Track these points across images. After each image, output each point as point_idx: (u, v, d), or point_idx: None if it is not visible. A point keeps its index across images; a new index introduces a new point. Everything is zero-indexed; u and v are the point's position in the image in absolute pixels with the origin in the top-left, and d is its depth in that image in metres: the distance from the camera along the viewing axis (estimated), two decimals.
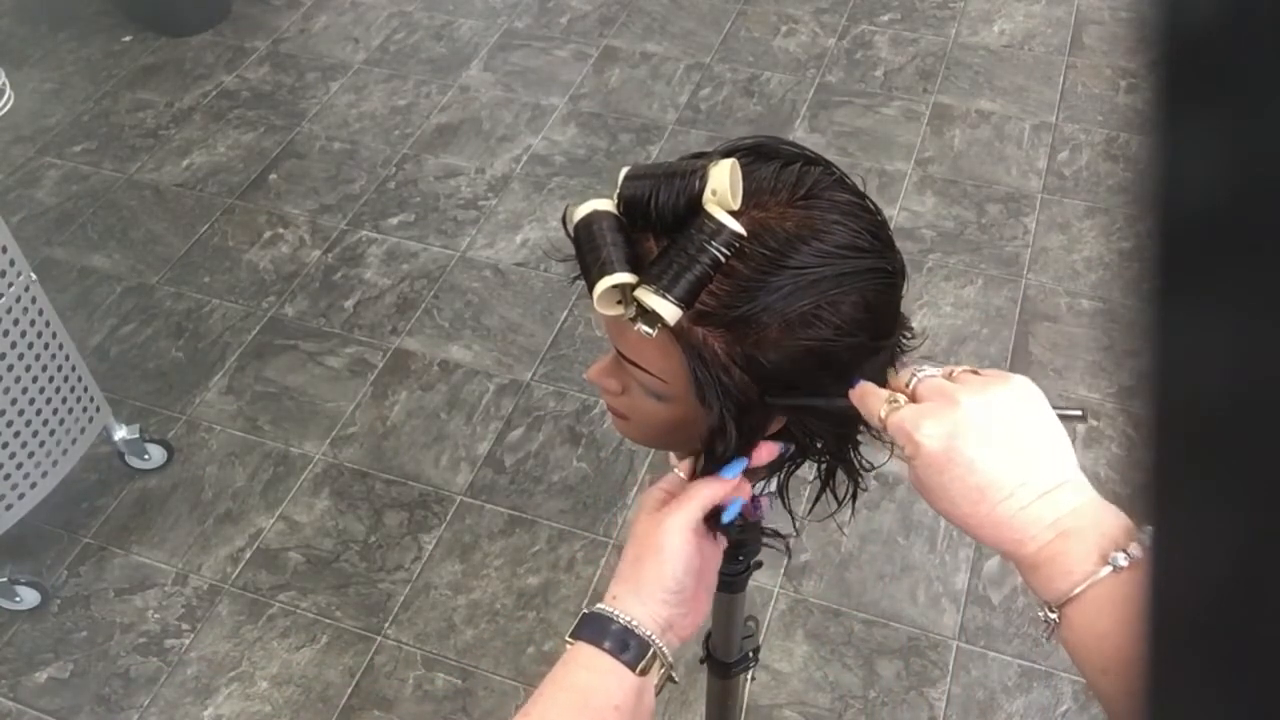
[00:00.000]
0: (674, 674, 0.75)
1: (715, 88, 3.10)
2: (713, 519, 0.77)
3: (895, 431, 0.68)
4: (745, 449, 0.76)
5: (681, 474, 0.78)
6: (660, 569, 0.73)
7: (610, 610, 0.73)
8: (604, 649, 0.71)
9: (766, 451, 0.78)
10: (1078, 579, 0.61)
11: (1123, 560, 0.60)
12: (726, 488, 0.76)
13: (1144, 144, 0.19)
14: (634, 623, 0.72)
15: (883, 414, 0.69)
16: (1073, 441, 0.66)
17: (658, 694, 0.74)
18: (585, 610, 0.75)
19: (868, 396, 0.70)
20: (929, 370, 0.71)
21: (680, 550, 0.74)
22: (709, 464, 0.76)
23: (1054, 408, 0.68)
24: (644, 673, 0.71)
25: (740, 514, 0.78)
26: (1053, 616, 0.63)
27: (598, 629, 0.72)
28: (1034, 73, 3.09)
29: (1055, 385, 2.32)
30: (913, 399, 0.69)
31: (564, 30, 3.32)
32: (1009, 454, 0.64)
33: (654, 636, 0.72)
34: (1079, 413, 0.71)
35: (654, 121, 3.00)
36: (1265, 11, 0.18)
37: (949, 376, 0.70)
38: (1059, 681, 1.89)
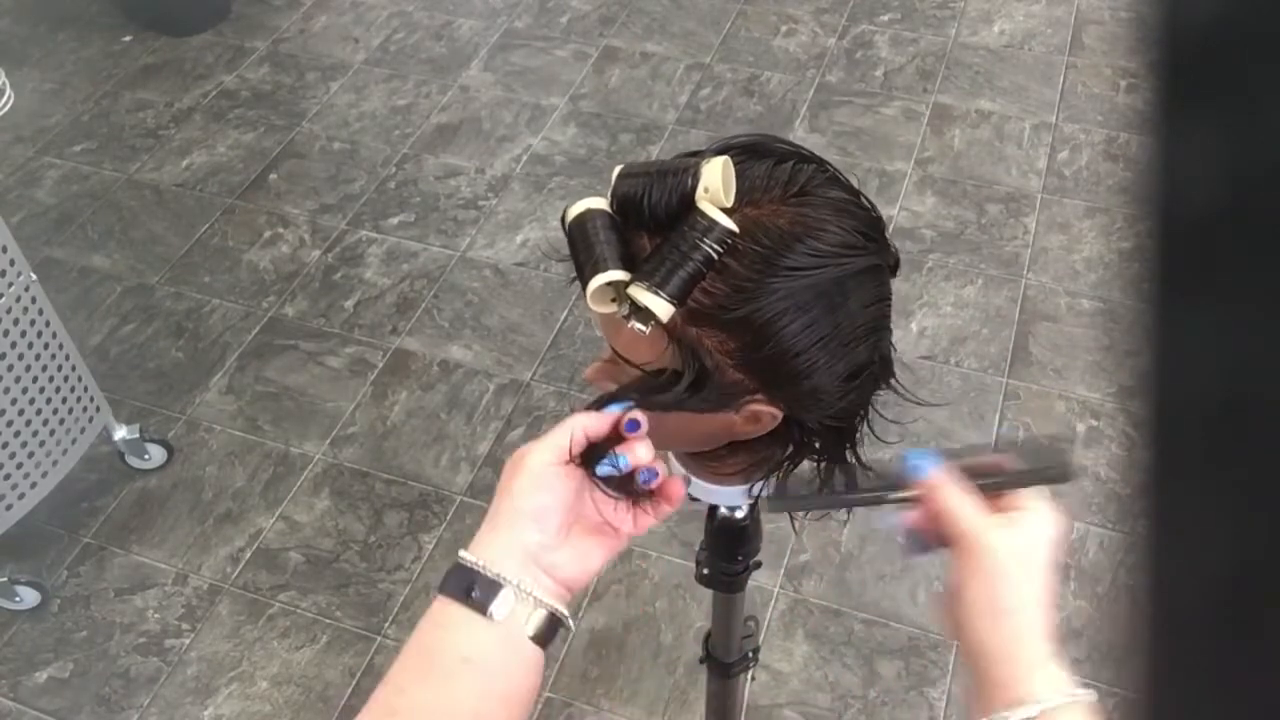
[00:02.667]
0: (565, 619, 0.67)
1: (715, 88, 3.10)
2: (590, 459, 0.70)
3: (968, 534, 0.73)
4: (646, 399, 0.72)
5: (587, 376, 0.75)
6: (514, 492, 0.67)
7: (465, 556, 0.67)
8: (456, 599, 0.65)
9: (676, 490, 0.74)
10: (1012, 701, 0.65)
11: (1089, 697, 0.66)
12: (602, 421, 0.70)
13: (1144, 144, 0.19)
14: (483, 564, 0.65)
15: (964, 513, 0.73)
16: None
17: (545, 643, 0.66)
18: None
19: (939, 490, 0.74)
20: (1035, 502, 0.75)
21: (540, 472, 0.68)
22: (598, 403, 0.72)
23: (1030, 468, 0.74)
24: (507, 621, 0.65)
25: (615, 467, 0.70)
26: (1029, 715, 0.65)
27: (453, 580, 0.66)
28: (1034, 73, 3.08)
29: (1055, 385, 2.32)
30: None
31: (564, 30, 3.32)
32: (1034, 593, 0.72)
33: (506, 574, 0.65)
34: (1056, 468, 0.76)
35: (654, 121, 3.00)
36: (1265, 11, 0.18)
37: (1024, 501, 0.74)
38: None
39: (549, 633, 0.67)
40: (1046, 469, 0.74)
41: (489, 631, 0.65)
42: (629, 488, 0.72)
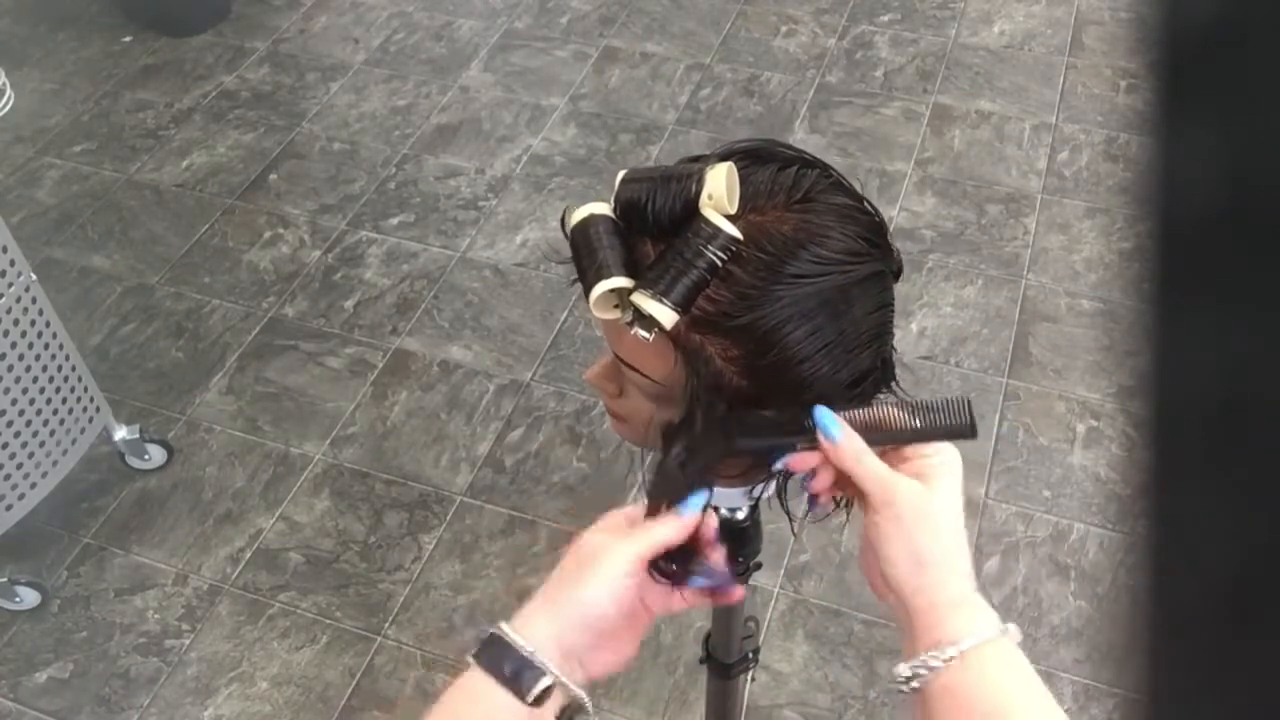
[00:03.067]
0: (588, 706, 0.69)
1: (715, 88, 3.10)
2: (664, 566, 0.71)
3: (873, 478, 0.70)
4: (711, 467, 0.73)
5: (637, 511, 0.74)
6: (584, 595, 0.68)
7: (509, 634, 0.67)
8: (493, 674, 0.66)
9: (738, 595, 0.75)
10: (941, 644, 0.65)
11: (1016, 634, 0.66)
12: (685, 528, 0.71)
13: (1144, 144, 0.19)
14: (531, 650, 0.66)
15: (862, 457, 0.71)
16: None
17: None
18: (491, 629, 0.69)
19: (842, 436, 0.72)
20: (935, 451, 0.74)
21: (616, 579, 0.68)
22: (666, 487, 0.72)
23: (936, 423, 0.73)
24: (538, 703, 0.66)
25: (695, 561, 0.72)
26: (944, 657, 0.64)
27: (495, 653, 0.67)
28: (1034, 73, 3.09)
29: (1055, 385, 2.32)
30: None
31: (564, 30, 3.32)
32: (951, 540, 0.69)
33: (551, 664, 0.66)
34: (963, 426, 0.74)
35: (654, 122, 3.00)
36: (1265, 11, 0.18)
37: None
38: (1059, 681, 1.89)
39: (572, 716, 0.69)
40: (952, 424, 0.72)
41: (520, 713, 0.66)
42: (690, 585, 0.73)
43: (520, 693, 0.66)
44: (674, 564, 0.71)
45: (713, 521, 0.72)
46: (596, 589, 0.68)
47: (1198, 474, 0.21)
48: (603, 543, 0.70)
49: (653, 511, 0.73)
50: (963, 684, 0.63)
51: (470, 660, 0.68)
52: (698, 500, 0.72)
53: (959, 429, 0.72)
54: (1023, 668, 0.65)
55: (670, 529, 0.71)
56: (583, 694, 0.68)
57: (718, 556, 0.73)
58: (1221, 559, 0.20)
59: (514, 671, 0.66)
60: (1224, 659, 0.21)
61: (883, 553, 0.68)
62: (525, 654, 0.66)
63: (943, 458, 0.71)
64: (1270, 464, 0.19)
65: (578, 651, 0.68)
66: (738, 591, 0.74)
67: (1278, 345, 0.19)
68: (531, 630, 0.67)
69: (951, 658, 0.64)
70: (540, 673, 0.66)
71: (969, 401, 0.73)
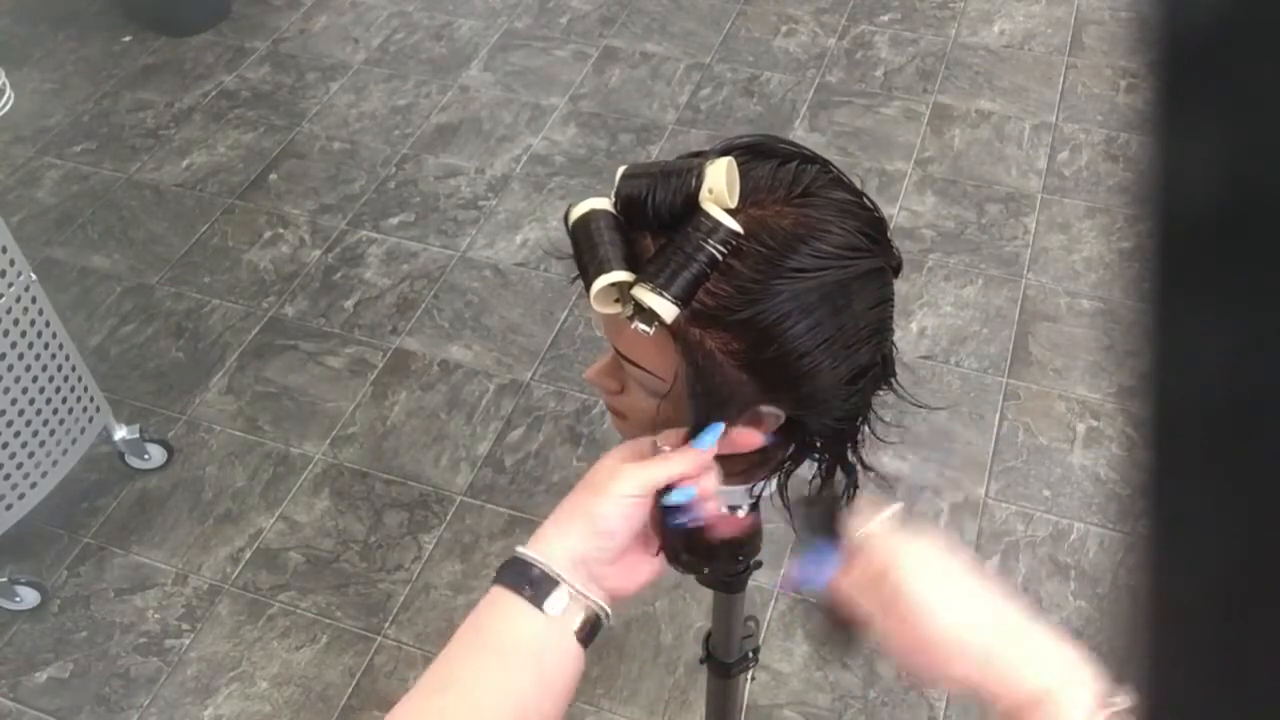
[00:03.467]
0: (608, 613, 0.71)
1: (715, 88, 3.10)
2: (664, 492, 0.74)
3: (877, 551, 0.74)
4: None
5: (666, 447, 0.76)
6: (591, 507, 0.71)
7: (526, 552, 0.70)
8: (517, 591, 0.69)
9: (747, 439, 0.76)
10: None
11: (1124, 702, 0.65)
12: (702, 460, 0.73)
13: (1144, 144, 0.19)
14: (545, 563, 0.69)
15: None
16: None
17: (586, 643, 0.70)
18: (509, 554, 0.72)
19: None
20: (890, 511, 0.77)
21: (624, 496, 0.71)
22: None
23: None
24: (562, 615, 0.69)
25: (688, 508, 0.74)
26: None
27: (514, 572, 0.70)
28: (1034, 73, 3.08)
29: (1055, 385, 2.32)
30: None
31: (564, 30, 3.32)
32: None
33: (565, 574, 0.69)
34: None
35: (654, 121, 3.00)
36: (1265, 11, 0.18)
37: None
38: None
39: (591, 633, 0.71)
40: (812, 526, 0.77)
41: (541, 624, 0.69)
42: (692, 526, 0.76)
43: (539, 603, 0.68)
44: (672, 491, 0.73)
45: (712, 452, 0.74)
46: (605, 504, 0.71)
47: (1198, 474, 0.21)
48: (614, 465, 0.73)
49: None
50: None
51: (492, 582, 0.71)
52: (712, 433, 0.73)
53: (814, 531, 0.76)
54: None
55: (684, 461, 0.73)
56: (600, 603, 0.70)
57: (710, 483, 0.75)
58: (1221, 559, 0.20)
59: (532, 585, 0.69)
60: (1224, 659, 0.21)
61: (911, 661, 0.72)
62: (541, 567, 0.69)
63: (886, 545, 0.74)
64: (1270, 464, 0.19)
65: (589, 564, 0.70)
66: (710, 482, 0.75)
67: (1277, 345, 0.19)
68: (546, 547, 0.70)
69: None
70: (555, 583, 0.69)
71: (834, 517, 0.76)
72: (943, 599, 0.71)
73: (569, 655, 0.69)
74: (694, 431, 0.74)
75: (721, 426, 0.73)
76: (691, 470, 0.73)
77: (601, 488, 0.71)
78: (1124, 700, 0.64)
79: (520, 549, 0.71)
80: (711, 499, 0.75)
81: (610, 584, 0.72)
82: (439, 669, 0.69)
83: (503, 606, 0.70)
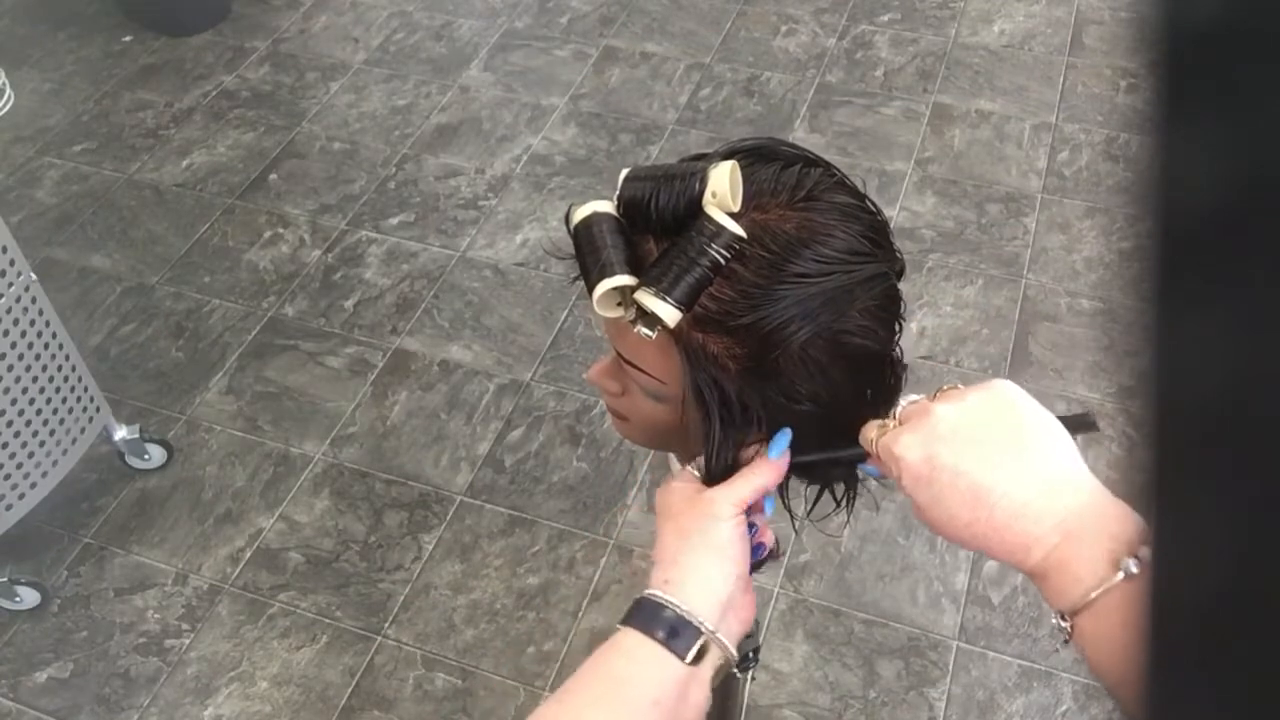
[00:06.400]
0: (734, 661, 0.69)
1: (715, 88, 3.10)
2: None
3: (883, 454, 0.68)
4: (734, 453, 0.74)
5: (695, 473, 0.74)
6: (712, 538, 0.69)
7: (660, 595, 0.67)
8: (653, 637, 0.66)
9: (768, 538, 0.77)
10: (1088, 586, 0.59)
11: (1134, 566, 0.57)
12: (780, 467, 0.72)
13: (1144, 144, 0.19)
14: (687, 609, 0.67)
15: (873, 438, 0.70)
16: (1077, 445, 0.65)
17: (715, 685, 0.69)
18: (638, 596, 0.69)
19: (865, 427, 0.72)
20: (914, 396, 0.72)
21: (736, 524, 0.70)
22: (721, 460, 0.73)
23: (1059, 415, 0.67)
24: (695, 662, 0.66)
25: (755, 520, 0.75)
26: (1065, 625, 0.60)
27: (647, 615, 0.67)
28: (1034, 73, 3.08)
29: (1055, 385, 2.32)
30: (900, 423, 0.69)
31: (564, 30, 3.32)
32: (992, 454, 0.63)
33: (708, 622, 0.67)
34: (1085, 416, 0.69)
35: (654, 121, 3.00)
36: (1265, 11, 0.18)
37: (931, 397, 0.70)
38: (1059, 681, 1.89)
39: (723, 679, 0.70)
40: (1074, 417, 0.68)
41: (679, 673, 0.66)
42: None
43: (679, 651, 0.66)
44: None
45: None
46: (723, 530, 0.69)
47: (1198, 474, 0.21)
48: (709, 499, 0.71)
49: (713, 478, 0.73)
50: (1102, 625, 0.59)
51: (620, 626, 0.68)
52: (783, 439, 0.73)
53: (1079, 423, 0.68)
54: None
55: (766, 472, 0.72)
56: (734, 652, 0.69)
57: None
58: (1221, 560, 0.20)
59: (670, 632, 0.66)
60: (1223, 659, 0.21)
61: (936, 528, 0.66)
62: (681, 612, 0.67)
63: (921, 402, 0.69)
64: (1270, 464, 0.19)
65: (732, 603, 0.69)
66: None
67: (1277, 345, 0.19)
68: (685, 593, 0.67)
69: (1079, 615, 0.59)
70: (697, 631, 0.66)
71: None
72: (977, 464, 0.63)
73: (696, 706, 0.67)
74: (719, 466, 0.73)
75: (790, 432, 0.72)
76: (773, 480, 0.72)
77: (710, 517, 0.69)
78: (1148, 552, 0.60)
79: (655, 591, 0.68)
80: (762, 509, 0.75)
81: (744, 613, 0.71)
82: (558, 713, 0.66)
83: (641, 656, 0.66)
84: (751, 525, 0.73)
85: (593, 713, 0.65)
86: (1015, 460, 0.63)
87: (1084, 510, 0.61)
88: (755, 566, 0.74)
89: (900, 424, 0.68)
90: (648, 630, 0.66)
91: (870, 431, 0.71)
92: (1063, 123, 2.93)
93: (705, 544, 0.69)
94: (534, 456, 2.26)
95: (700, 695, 0.67)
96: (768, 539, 0.76)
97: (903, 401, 0.72)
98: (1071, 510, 0.61)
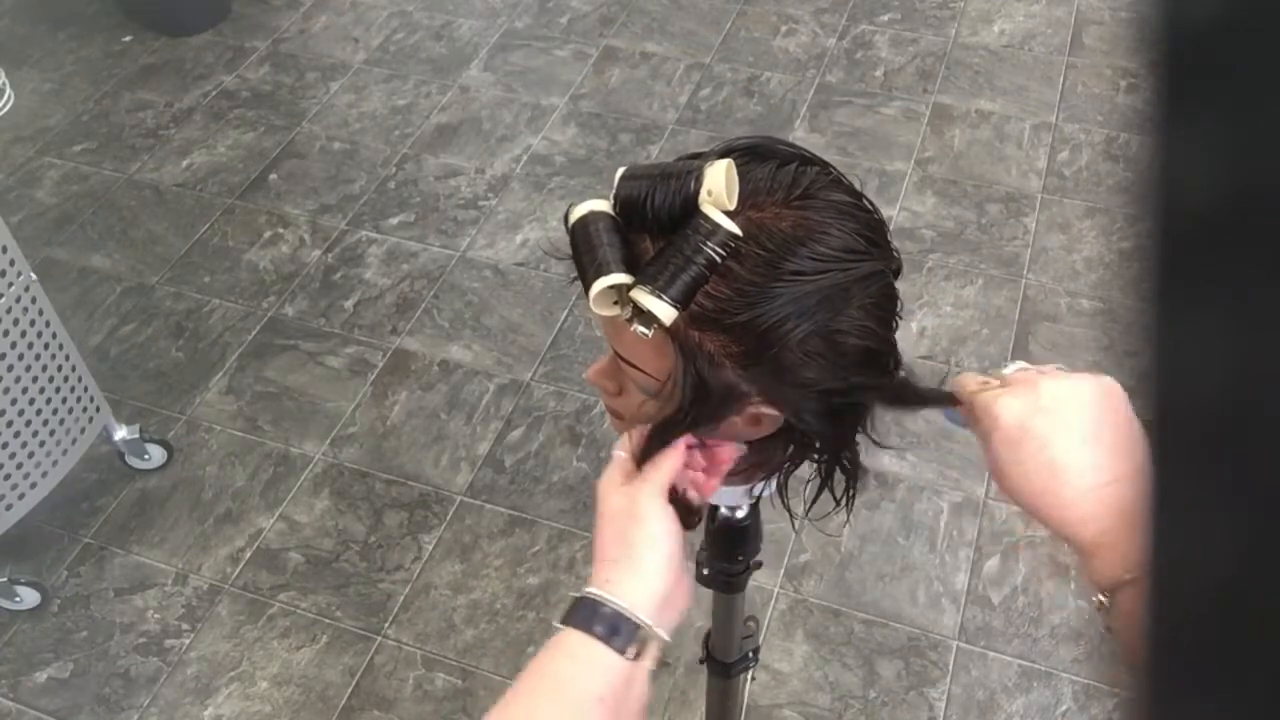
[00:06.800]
0: (666, 658, 0.73)
1: (715, 88, 3.10)
2: (681, 499, 0.76)
3: (979, 408, 0.71)
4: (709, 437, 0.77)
5: (622, 454, 0.77)
6: (650, 540, 0.71)
7: (600, 594, 0.70)
8: (593, 634, 0.68)
9: (728, 453, 0.79)
10: (1134, 563, 0.62)
11: None
12: (679, 453, 0.75)
13: (1144, 144, 0.19)
14: (626, 606, 0.69)
15: (973, 390, 0.73)
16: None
17: (654, 676, 0.71)
18: (575, 595, 0.71)
19: (963, 377, 0.75)
20: (1022, 364, 0.75)
21: (664, 517, 0.72)
22: (658, 441, 0.76)
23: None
24: (637, 657, 0.69)
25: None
26: (1104, 599, 0.64)
27: (587, 614, 0.69)
28: (1034, 73, 3.09)
29: None
30: (1003, 385, 0.73)
31: (564, 30, 3.32)
32: (1082, 438, 0.67)
33: (646, 617, 0.69)
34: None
35: (654, 121, 3.00)
36: (1265, 11, 0.18)
37: (1041, 371, 0.73)
38: (1059, 681, 1.89)
39: (660, 666, 0.71)
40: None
41: (621, 670, 0.68)
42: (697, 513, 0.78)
43: (620, 648, 0.68)
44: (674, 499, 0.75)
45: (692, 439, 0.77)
46: (656, 529, 0.71)
47: (1198, 474, 0.21)
48: (629, 493, 0.73)
49: (643, 454, 0.76)
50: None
51: (560, 625, 0.70)
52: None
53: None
54: None
55: (673, 458, 0.75)
56: (667, 639, 0.71)
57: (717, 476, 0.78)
58: (1221, 559, 0.20)
59: (610, 629, 0.68)
60: (1224, 659, 0.21)
61: (1005, 485, 0.69)
62: (620, 609, 0.69)
63: (1057, 377, 0.71)
64: (1270, 464, 0.19)
65: (668, 595, 0.71)
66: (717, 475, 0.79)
67: (1277, 345, 0.19)
68: (623, 590, 0.69)
69: (1120, 588, 0.63)
70: (636, 627, 0.68)
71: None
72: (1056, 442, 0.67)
73: (638, 699, 0.69)
74: (661, 430, 0.75)
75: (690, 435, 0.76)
76: (679, 460, 0.75)
77: (647, 520, 0.72)
78: None
79: (594, 590, 0.70)
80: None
81: (681, 603, 0.73)
82: (506, 715, 0.67)
83: (583, 655, 0.68)
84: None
85: (541, 712, 0.67)
86: (1100, 448, 0.67)
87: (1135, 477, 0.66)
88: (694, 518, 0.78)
89: (1003, 386, 0.72)
90: (588, 629, 0.68)
91: (970, 384, 0.74)
92: (1063, 123, 2.93)
93: (639, 540, 0.71)
94: (534, 456, 2.26)
95: (643, 688, 0.69)
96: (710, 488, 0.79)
97: (1011, 367, 0.75)
98: (1131, 502, 0.65)
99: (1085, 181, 2.77)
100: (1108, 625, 0.65)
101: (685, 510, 0.76)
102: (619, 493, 0.74)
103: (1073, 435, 0.67)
